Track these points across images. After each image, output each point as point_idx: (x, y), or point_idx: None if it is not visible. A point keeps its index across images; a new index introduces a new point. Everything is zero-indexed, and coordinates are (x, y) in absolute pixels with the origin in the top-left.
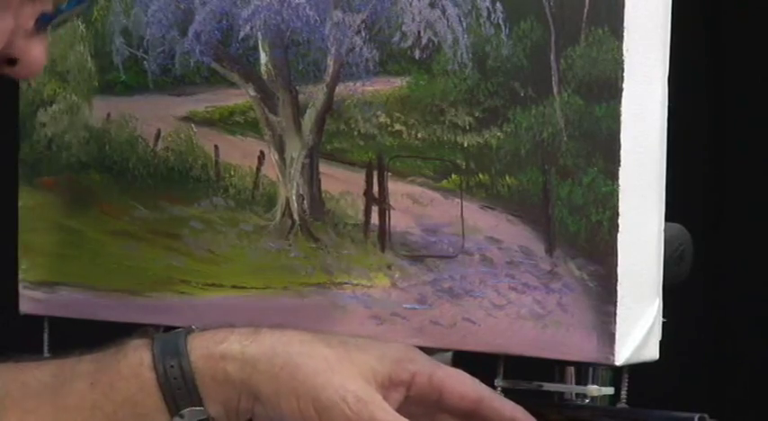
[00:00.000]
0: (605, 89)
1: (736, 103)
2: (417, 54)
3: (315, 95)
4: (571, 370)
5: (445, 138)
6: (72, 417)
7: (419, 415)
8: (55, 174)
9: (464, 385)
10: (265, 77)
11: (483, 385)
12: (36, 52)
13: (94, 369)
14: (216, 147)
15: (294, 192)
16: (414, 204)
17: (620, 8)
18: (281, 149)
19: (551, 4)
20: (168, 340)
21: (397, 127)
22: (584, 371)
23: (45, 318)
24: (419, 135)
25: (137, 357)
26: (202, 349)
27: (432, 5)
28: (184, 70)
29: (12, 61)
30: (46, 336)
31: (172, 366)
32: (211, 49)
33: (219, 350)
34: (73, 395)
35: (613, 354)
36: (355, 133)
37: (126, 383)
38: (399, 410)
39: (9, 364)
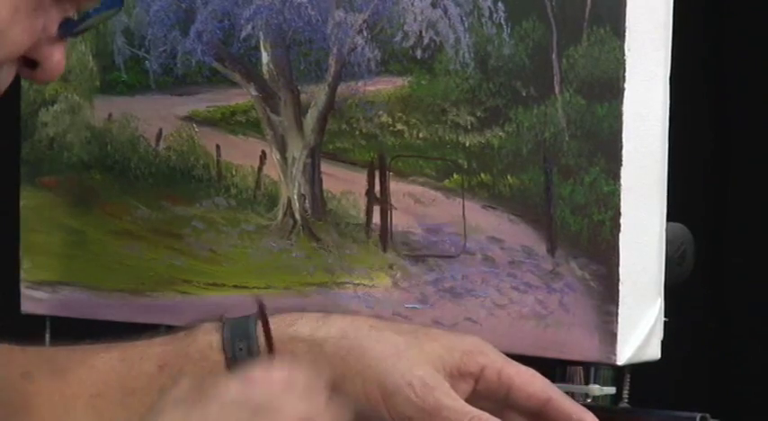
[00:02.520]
0: (607, 89)
1: (739, 102)
2: (419, 54)
3: (316, 95)
4: (573, 369)
5: (447, 137)
6: (140, 400)
7: (487, 410)
8: (56, 174)
9: (533, 384)
10: (267, 77)
11: (552, 385)
12: (57, 57)
13: (163, 352)
14: (217, 146)
15: (296, 191)
16: (415, 204)
17: (621, 7)
18: (282, 149)
19: (553, 3)
20: (238, 323)
21: (399, 126)
22: (585, 371)
23: (47, 318)
24: (421, 135)
25: (206, 341)
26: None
27: (433, 5)
28: (186, 70)
29: (31, 64)
30: (48, 336)
31: (240, 349)
32: (213, 48)
33: (288, 332)
34: (141, 378)
35: (615, 354)
36: (357, 133)
37: (195, 367)
38: (467, 402)
39: (77, 348)
